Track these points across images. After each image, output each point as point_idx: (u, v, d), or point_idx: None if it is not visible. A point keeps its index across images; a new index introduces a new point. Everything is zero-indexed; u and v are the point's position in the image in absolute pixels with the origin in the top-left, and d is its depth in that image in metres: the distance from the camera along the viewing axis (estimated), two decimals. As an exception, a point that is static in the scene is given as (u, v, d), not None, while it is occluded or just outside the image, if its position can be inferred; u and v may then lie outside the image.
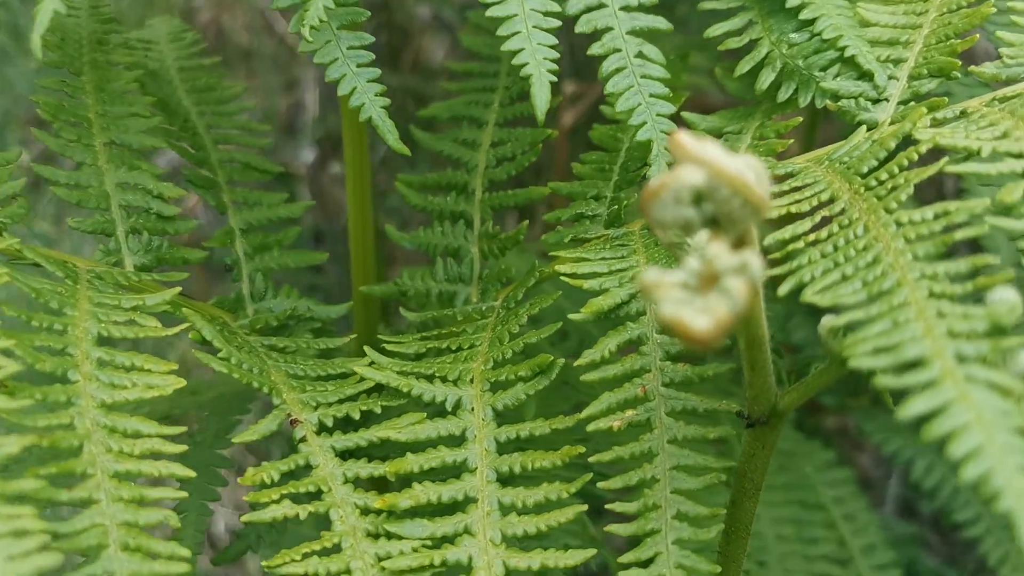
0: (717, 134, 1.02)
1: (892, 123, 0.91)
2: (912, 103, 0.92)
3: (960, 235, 0.70)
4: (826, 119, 1.39)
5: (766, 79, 0.99)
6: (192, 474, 0.81)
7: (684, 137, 0.60)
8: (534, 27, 0.89)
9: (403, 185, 1.18)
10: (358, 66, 0.92)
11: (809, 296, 0.71)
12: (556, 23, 0.90)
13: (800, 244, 0.79)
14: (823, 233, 0.78)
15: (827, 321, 0.70)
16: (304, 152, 2.51)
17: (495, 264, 1.13)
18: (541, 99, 0.88)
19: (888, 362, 0.63)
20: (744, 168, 0.60)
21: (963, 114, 0.86)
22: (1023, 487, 0.54)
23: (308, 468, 0.91)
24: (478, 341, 1.01)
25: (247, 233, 1.12)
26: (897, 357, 0.63)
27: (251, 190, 1.15)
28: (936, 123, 0.87)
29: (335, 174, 2.42)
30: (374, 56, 0.93)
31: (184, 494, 0.81)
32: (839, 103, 0.95)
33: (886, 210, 0.76)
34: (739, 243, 0.64)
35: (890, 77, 0.93)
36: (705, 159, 0.59)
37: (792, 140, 0.96)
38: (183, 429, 0.83)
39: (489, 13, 0.90)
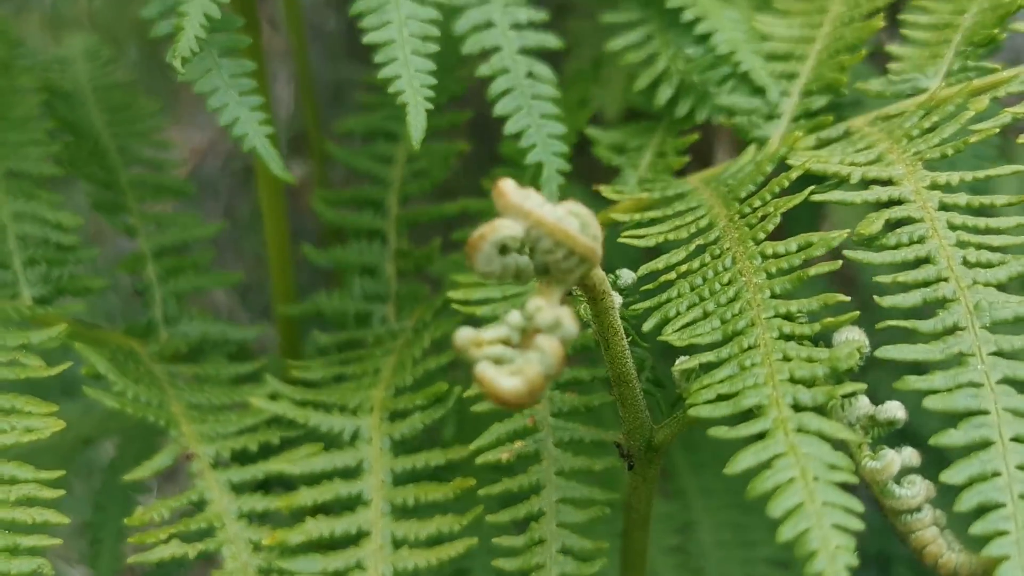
0: (619, 149, 1.01)
1: (784, 141, 0.89)
2: (803, 120, 0.90)
3: (814, 271, 0.68)
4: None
5: (664, 94, 0.97)
6: (66, 520, 0.80)
7: (506, 186, 0.59)
8: (412, 53, 0.87)
9: (319, 202, 1.17)
10: (240, 94, 0.91)
11: (668, 335, 0.70)
12: (435, 48, 0.89)
13: (673, 275, 0.77)
14: (696, 263, 0.77)
15: (680, 363, 0.69)
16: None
17: (411, 282, 1.12)
18: (416, 128, 0.86)
19: (727, 411, 0.62)
20: (566, 218, 0.59)
21: (847, 133, 0.84)
22: (835, 549, 0.52)
23: (202, 504, 0.90)
24: (383, 366, 1.00)
25: (159, 256, 1.11)
26: (736, 405, 0.62)
27: (163, 212, 1.14)
28: (821, 143, 0.85)
29: (302, 174, 2.40)
30: (256, 84, 0.91)
31: (58, 541, 0.80)
32: (733, 119, 0.93)
33: (754, 240, 0.75)
34: (588, 291, 0.63)
35: (782, 93, 0.91)
36: (524, 209, 0.58)
37: (688, 159, 0.95)
38: (61, 473, 0.82)
39: (367, 40, 0.88)
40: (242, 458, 0.94)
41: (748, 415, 0.62)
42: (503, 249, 0.60)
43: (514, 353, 0.57)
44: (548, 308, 0.56)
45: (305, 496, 0.89)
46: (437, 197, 1.21)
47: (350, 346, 1.10)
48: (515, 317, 0.58)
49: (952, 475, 0.61)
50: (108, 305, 1.51)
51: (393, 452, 0.92)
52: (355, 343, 1.10)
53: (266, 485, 0.93)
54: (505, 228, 0.58)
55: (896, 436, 0.68)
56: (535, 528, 0.84)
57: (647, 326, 0.73)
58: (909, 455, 0.64)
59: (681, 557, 1.32)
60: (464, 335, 0.56)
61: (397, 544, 0.87)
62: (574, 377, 0.87)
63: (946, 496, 0.64)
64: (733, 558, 1.37)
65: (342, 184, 1.37)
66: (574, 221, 0.59)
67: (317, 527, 0.87)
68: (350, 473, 0.91)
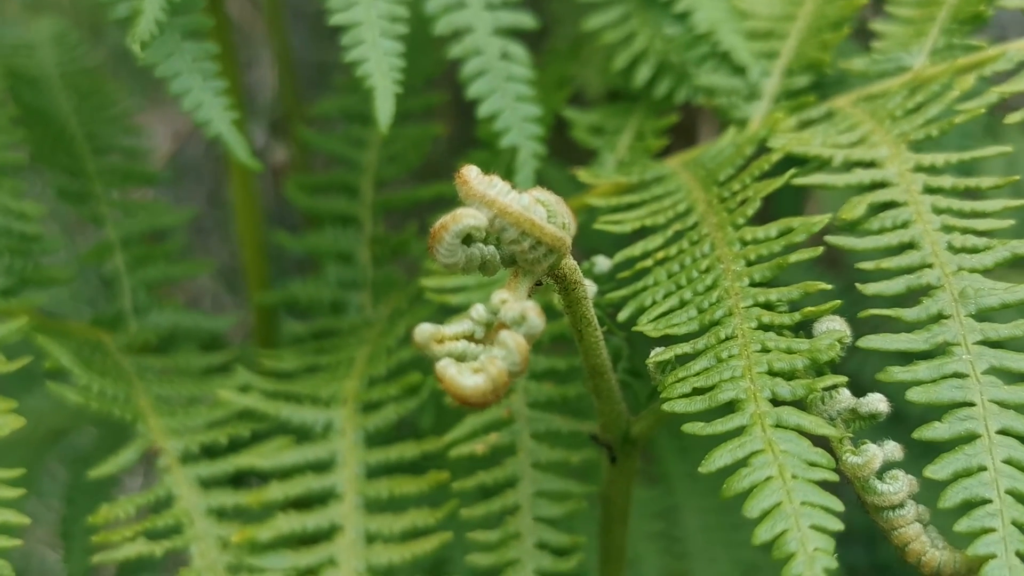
0: (598, 131, 0.98)
1: (764, 122, 0.87)
2: (784, 100, 0.87)
3: (794, 259, 0.66)
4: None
5: (642, 75, 0.94)
6: (26, 520, 0.78)
7: (469, 173, 0.56)
8: (380, 35, 0.84)
9: (293, 187, 1.14)
10: (204, 79, 0.88)
11: (643, 325, 0.68)
12: (404, 29, 0.86)
13: (649, 262, 0.75)
14: (673, 249, 0.74)
15: (655, 355, 0.66)
16: (256, 134, 2.46)
17: (387, 269, 1.09)
18: (384, 112, 0.83)
19: (702, 406, 0.59)
20: (532, 206, 0.56)
21: (829, 114, 0.81)
22: (814, 552, 0.50)
23: (170, 500, 0.87)
24: (357, 355, 0.98)
25: (127, 245, 1.08)
26: (712, 400, 0.59)
27: (133, 199, 1.10)
28: (803, 124, 0.83)
29: (285, 157, 2.37)
30: (220, 67, 0.88)
31: (18, 542, 0.77)
32: (714, 100, 0.90)
33: (733, 225, 0.72)
34: (559, 281, 0.60)
35: (763, 73, 0.89)
36: (488, 198, 0.55)
37: (668, 141, 0.92)
38: (22, 472, 0.80)
39: (333, 21, 0.85)
40: (211, 452, 0.92)
41: (725, 409, 0.59)
42: (467, 239, 0.57)
43: (478, 349, 0.55)
44: (513, 301, 0.54)
45: (276, 491, 0.87)
46: (418, 180, 1.19)
47: (325, 335, 1.07)
48: (479, 311, 0.56)
49: (936, 470, 0.59)
50: (89, 293, 1.48)
51: (366, 444, 0.89)
52: (330, 332, 1.08)
53: (237, 480, 0.91)
54: (468, 218, 0.55)
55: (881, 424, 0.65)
56: (511, 522, 0.82)
57: (622, 315, 0.71)
58: (891, 449, 0.62)
59: (665, 542, 1.30)
60: (424, 330, 0.54)
61: (371, 539, 0.85)
62: (551, 366, 0.85)
63: (931, 490, 0.62)
64: (718, 541, 1.35)
65: (325, 167, 1.35)
66: (541, 209, 0.57)
67: (288, 522, 0.85)
68: (322, 466, 0.88)
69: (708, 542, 1.32)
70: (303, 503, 0.88)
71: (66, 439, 1.31)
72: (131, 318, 1.06)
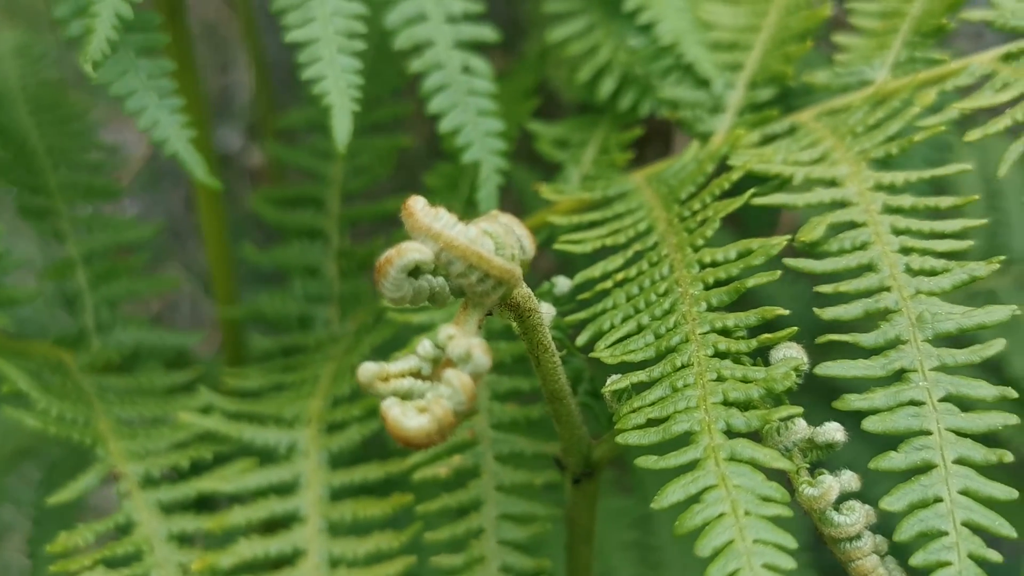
0: (562, 144, 0.97)
1: (726, 138, 0.86)
2: (748, 114, 0.86)
3: (752, 283, 0.65)
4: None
5: (606, 87, 0.93)
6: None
7: (415, 205, 0.55)
8: (338, 51, 0.83)
9: (260, 200, 1.12)
10: (160, 97, 0.86)
11: (600, 351, 0.67)
12: (362, 46, 0.84)
13: (609, 284, 0.73)
14: (632, 271, 0.73)
15: (611, 383, 0.65)
16: (232, 138, 2.44)
17: (354, 282, 1.08)
18: (341, 131, 0.82)
19: (656, 438, 0.58)
20: (479, 239, 0.55)
21: (792, 129, 0.80)
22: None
23: (130, 526, 0.86)
24: (323, 373, 0.97)
25: (90, 261, 1.06)
26: (666, 432, 0.58)
27: (97, 214, 1.09)
28: (766, 139, 0.82)
29: (259, 162, 2.35)
30: (176, 86, 0.86)
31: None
32: (678, 113, 0.89)
33: (692, 247, 0.71)
34: (513, 310, 0.59)
35: (727, 85, 0.87)
36: (433, 231, 0.54)
37: (632, 155, 0.91)
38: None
39: (289, 38, 0.84)
40: (173, 476, 0.90)
41: (680, 440, 0.58)
42: (415, 271, 0.56)
43: (425, 386, 0.54)
44: (460, 337, 0.53)
45: (238, 515, 0.86)
46: (388, 190, 1.18)
47: (293, 351, 1.06)
48: (426, 347, 0.54)
49: (892, 501, 0.58)
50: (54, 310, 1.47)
51: (331, 466, 0.88)
52: (297, 348, 1.07)
53: (199, 504, 0.90)
54: (412, 252, 0.54)
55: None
56: (475, 546, 0.81)
57: (581, 339, 0.70)
58: (848, 479, 0.61)
59: (640, 552, 1.29)
60: (368, 369, 0.53)
61: (334, 563, 0.84)
62: (514, 387, 0.84)
63: (890, 520, 0.61)
64: (693, 550, 1.34)
65: (298, 177, 1.33)
66: (488, 242, 0.55)
67: (250, 548, 0.84)
68: (286, 489, 0.87)
69: (683, 551, 1.32)
70: (266, 527, 0.87)
71: (42, 449, 1.30)
72: (93, 336, 1.05)
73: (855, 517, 0.60)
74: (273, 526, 0.87)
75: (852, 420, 0.62)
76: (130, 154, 1.77)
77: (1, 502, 1.42)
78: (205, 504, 0.91)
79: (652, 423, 0.60)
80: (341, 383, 0.94)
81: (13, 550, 1.60)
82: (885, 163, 0.73)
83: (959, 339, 0.63)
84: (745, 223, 1.01)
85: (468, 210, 0.99)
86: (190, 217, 1.85)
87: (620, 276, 0.73)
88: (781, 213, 1.24)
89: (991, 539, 0.59)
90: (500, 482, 0.82)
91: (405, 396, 0.53)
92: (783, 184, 0.73)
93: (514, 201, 1.14)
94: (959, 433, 0.60)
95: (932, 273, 0.65)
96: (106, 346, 1.04)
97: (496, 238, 0.56)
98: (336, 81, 0.82)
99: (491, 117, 0.89)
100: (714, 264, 0.69)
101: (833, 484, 0.60)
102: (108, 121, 1.51)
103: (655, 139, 1.20)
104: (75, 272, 1.06)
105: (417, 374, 0.54)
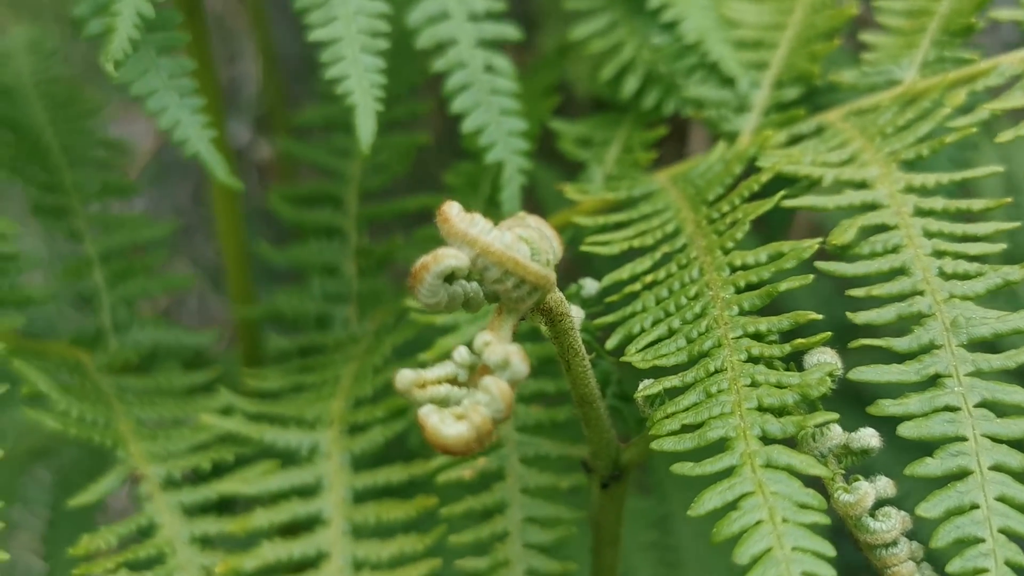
0: (585, 143, 0.96)
1: (754, 139, 0.85)
2: (774, 113, 0.85)
3: (784, 287, 0.64)
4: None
5: (630, 86, 0.92)
6: (5, 556, 0.76)
7: (451, 211, 0.54)
8: (361, 51, 0.82)
9: (276, 198, 1.12)
10: (181, 96, 0.85)
11: (631, 356, 0.66)
12: (385, 45, 0.84)
13: (638, 286, 0.73)
14: (661, 273, 0.73)
15: (643, 388, 0.65)
16: (240, 131, 2.43)
17: (373, 281, 1.08)
18: (365, 131, 0.81)
19: (691, 444, 0.58)
20: (515, 244, 0.54)
21: (819, 129, 0.80)
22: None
23: (152, 529, 0.86)
24: (343, 374, 0.96)
25: (107, 260, 1.06)
26: (701, 438, 0.58)
27: (112, 213, 1.08)
28: (793, 139, 0.81)
29: (267, 156, 2.35)
30: (197, 85, 0.86)
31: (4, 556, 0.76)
32: (702, 112, 0.88)
33: (723, 249, 0.70)
34: (545, 314, 0.59)
35: (753, 84, 0.87)
36: (469, 237, 0.54)
37: (657, 155, 0.90)
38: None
39: (312, 38, 0.83)
40: (194, 478, 0.90)
41: (715, 446, 0.58)
42: (449, 277, 0.55)
43: (462, 392, 0.53)
44: (496, 344, 0.52)
45: (261, 518, 0.85)
46: (405, 187, 1.17)
47: (311, 351, 1.06)
48: (462, 353, 0.54)
49: (928, 508, 0.58)
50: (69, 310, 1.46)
51: (353, 468, 0.88)
52: (316, 347, 1.06)
53: (220, 506, 0.89)
54: (449, 258, 0.53)
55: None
56: (500, 549, 0.81)
57: (611, 343, 0.69)
58: (883, 485, 0.61)
59: (659, 552, 1.28)
60: (405, 376, 0.52)
61: (358, 566, 0.83)
62: (539, 389, 0.84)
63: (925, 527, 0.60)
64: (713, 550, 1.33)
65: (310, 172, 1.33)
66: (524, 247, 0.55)
67: (274, 550, 0.84)
68: (308, 491, 0.87)
69: (702, 551, 1.31)
70: (289, 529, 0.87)
71: (54, 450, 1.30)
72: (111, 336, 1.04)
73: (891, 523, 0.60)
74: (296, 528, 0.86)
75: (886, 426, 0.61)
76: (137, 148, 1.76)
77: (12, 502, 1.42)
78: (226, 506, 0.91)
79: (687, 429, 0.60)
80: (363, 384, 0.93)
81: (19, 548, 1.60)
82: (913, 164, 0.73)
83: (993, 344, 0.63)
84: (763, 222, 1.01)
85: (489, 209, 0.98)
86: (198, 211, 1.84)
87: (649, 279, 0.73)
88: (796, 212, 1.24)
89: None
90: (525, 485, 0.82)
91: (442, 403, 0.53)
92: (812, 185, 0.73)
93: (533, 199, 1.14)
94: (995, 439, 0.59)
95: (965, 277, 0.65)
96: (124, 346, 1.04)
97: (531, 243, 0.56)
98: (359, 80, 0.82)
99: (514, 116, 0.89)
100: (745, 267, 0.68)
101: (869, 490, 0.60)
102: (115, 115, 1.50)
103: (671, 137, 1.20)
104: (92, 271, 1.05)
105: (453, 380, 0.54)
